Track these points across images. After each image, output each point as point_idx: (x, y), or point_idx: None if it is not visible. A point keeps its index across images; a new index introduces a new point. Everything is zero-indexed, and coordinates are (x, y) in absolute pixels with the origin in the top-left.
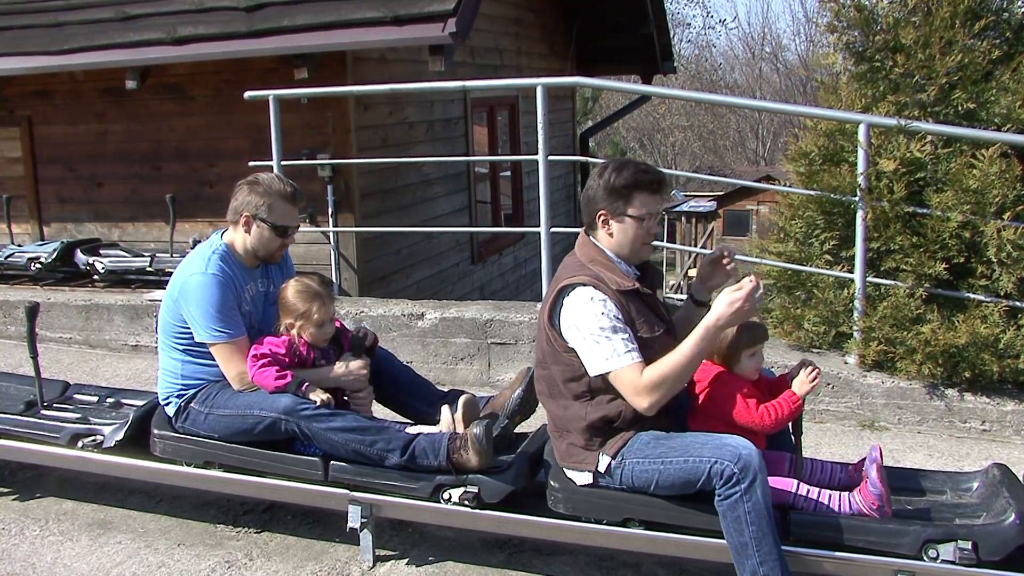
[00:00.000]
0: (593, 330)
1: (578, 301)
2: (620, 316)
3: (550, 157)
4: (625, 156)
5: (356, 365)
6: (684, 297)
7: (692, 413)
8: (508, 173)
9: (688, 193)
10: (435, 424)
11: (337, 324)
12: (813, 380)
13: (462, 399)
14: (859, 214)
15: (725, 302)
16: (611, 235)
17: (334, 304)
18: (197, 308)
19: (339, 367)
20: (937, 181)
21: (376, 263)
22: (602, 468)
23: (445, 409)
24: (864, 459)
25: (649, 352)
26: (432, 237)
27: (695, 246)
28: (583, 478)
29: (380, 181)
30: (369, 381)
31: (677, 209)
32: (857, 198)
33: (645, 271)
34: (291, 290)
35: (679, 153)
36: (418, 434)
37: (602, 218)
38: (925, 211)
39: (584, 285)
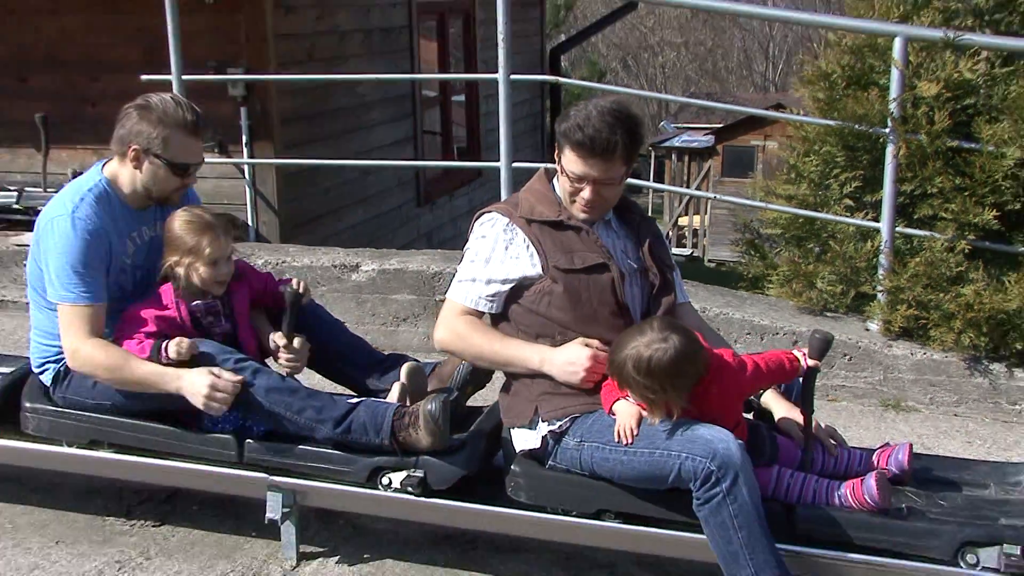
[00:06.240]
0: (471, 251)
1: (477, 226)
2: (511, 248)
3: (513, 76)
4: (604, 83)
5: (300, 344)
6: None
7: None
8: (462, 97)
9: (681, 125)
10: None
11: (263, 277)
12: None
13: (405, 367)
14: (889, 149)
15: (564, 360)
16: (560, 173)
17: (231, 241)
18: (53, 258)
19: (279, 346)
20: (991, 109)
21: (301, 203)
22: (545, 432)
23: (396, 388)
24: (885, 452)
25: (571, 284)
26: (369, 173)
27: (689, 187)
28: (527, 438)
29: (305, 103)
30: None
31: (666, 144)
32: (887, 130)
33: (625, 216)
34: (178, 221)
35: (670, 76)
36: (358, 404)
37: (556, 153)
38: (974, 146)
39: (491, 212)
